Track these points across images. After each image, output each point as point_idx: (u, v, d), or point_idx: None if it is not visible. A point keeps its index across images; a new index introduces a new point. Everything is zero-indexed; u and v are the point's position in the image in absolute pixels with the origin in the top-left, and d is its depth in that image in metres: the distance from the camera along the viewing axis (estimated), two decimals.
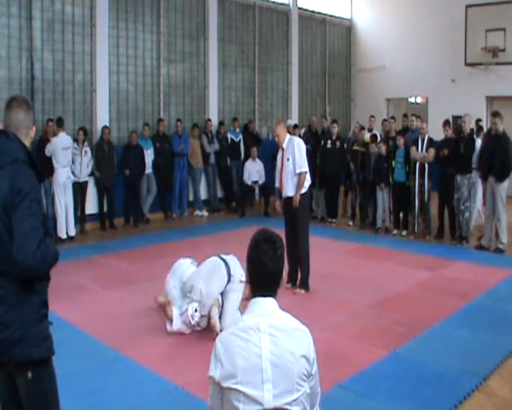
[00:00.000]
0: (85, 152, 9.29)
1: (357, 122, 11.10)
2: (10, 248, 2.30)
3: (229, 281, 5.03)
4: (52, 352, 2.51)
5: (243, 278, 5.06)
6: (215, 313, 4.92)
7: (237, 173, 11.63)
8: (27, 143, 2.57)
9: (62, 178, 8.84)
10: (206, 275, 5.05)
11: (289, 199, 6.29)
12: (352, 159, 10.04)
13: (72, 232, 9.01)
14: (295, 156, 6.21)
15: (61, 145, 8.79)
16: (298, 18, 14.10)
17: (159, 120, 10.81)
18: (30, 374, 2.42)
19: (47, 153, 8.72)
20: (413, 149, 8.85)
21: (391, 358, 4.57)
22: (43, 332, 2.46)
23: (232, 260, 5.19)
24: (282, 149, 6.34)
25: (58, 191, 8.82)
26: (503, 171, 7.84)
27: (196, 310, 4.91)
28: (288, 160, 6.24)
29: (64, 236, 8.82)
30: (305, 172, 6.25)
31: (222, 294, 5.07)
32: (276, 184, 6.55)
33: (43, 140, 8.89)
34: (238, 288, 5.08)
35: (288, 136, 6.43)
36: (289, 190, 6.29)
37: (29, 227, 2.31)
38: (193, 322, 4.93)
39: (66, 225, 8.89)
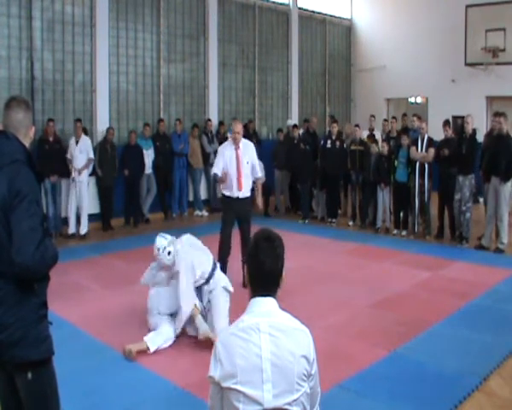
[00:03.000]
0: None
1: (348, 123, 11.23)
2: (9, 249, 2.29)
3: (211, 276, 4.92)
4: (51, 352, 2.51)
5: (229, 288, 4.99)
6: (200, 321, 4.73)
7: None
8: (26, 143, 2.56)
9: (86, 177, 9.19)
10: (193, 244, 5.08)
11: (244, 199, 6.37)
12: (351, 159, 10.04)
13: (84, 231, 9.20)
14: (255, 161, 6.42)
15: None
16: (298, 18, 14.10)
17: (159, 120, 10.82)
18: (30, 374, 2.41)
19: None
20: (413, 149, 8.84)
21: (391, 358, 4.57)
22: (42, 333, 2.45)
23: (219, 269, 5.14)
24: (237, 148, 6.31)
25: (84, 189, 9.08)
26: (509, 171, 7.82)
27: (167, 252, 4.85)
28: (247, 163, 6.33)
29: (74, 231, 9.12)
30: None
31: (207, 303, 4.92)
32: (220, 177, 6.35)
33: (43, 140, 8.90)
34: (223, 294, 4.93)
35: (242, 138, 6.46)
36: (246, 191, 6.38)
37: (28, 228, 2.30)
38: (159, 254, 4.85)
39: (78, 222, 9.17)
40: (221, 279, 4.99)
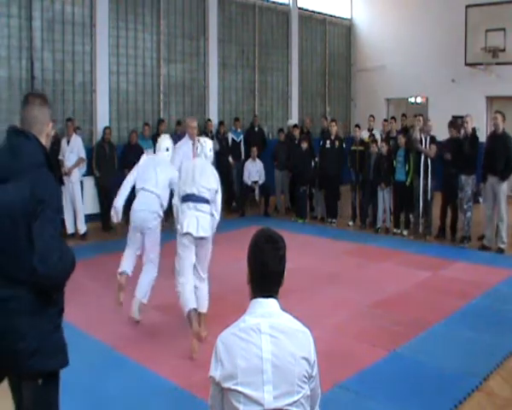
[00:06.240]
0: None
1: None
2: (30, 256, 2.23)
3: None
4: (67, 362, 2.45)
5: None
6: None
7: (237, 173, 11.63)
8: (43, 140, 2.49)
9: (78, 177, 9.25)
10: None
11: None
12: (351, 158, 10.03)
13: (83, 230, 9.27)
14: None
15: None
16: (298, 18, 14.09)
17: (160, 120, 10.79)
18: (40, 381, 2.36)
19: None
20: (417, 141, 8.80)
21: (391, 358, 4.57)
22: (59, 342, 2.41)
23: None
24: (194, 143, 6.59)
25: (76, 190, 9.16)
26: (506, 170, 7.82)
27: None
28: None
29: (73, 231, 9.17)
30: None
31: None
32: None
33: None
34: None
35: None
36: None
37: (49, 237, 2.26)
38: None
39: (75, 223, 9.24)
40: None
